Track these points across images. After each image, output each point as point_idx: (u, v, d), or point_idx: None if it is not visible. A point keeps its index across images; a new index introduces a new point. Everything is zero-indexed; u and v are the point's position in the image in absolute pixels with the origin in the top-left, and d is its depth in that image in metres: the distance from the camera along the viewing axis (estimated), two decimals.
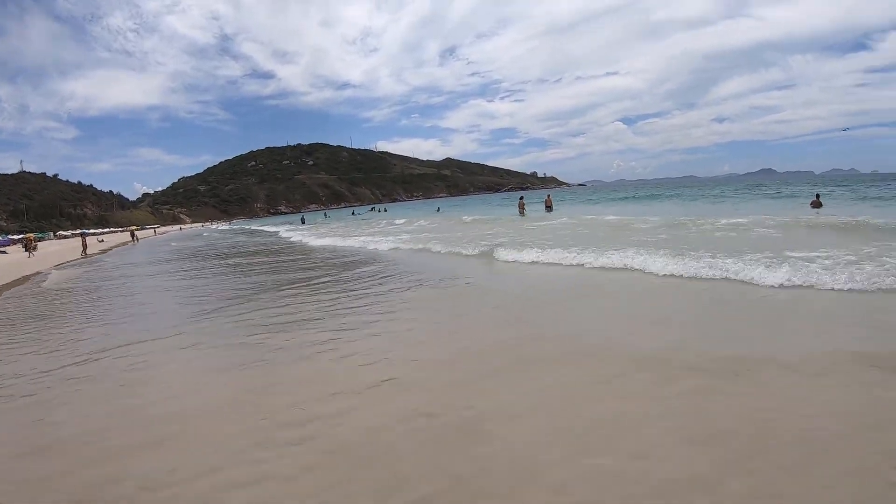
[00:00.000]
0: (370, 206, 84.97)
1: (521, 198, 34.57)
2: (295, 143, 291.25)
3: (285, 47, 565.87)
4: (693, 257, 10.41)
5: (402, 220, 40.36)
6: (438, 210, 53.88)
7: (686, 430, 3.60)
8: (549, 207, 33.66)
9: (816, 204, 25.36)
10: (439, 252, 16.44)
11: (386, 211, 71.24)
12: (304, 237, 31.77)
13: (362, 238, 24.79)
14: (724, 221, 17.88)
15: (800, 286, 7.91)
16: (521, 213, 31.42)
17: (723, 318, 6.82)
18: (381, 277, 12.20)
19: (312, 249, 23.00)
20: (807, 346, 5.25)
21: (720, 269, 9.34)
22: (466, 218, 32.77)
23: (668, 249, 11.67)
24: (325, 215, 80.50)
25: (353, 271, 13.74)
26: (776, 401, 3.96)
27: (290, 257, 19.98)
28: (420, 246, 18.42)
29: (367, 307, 8.74)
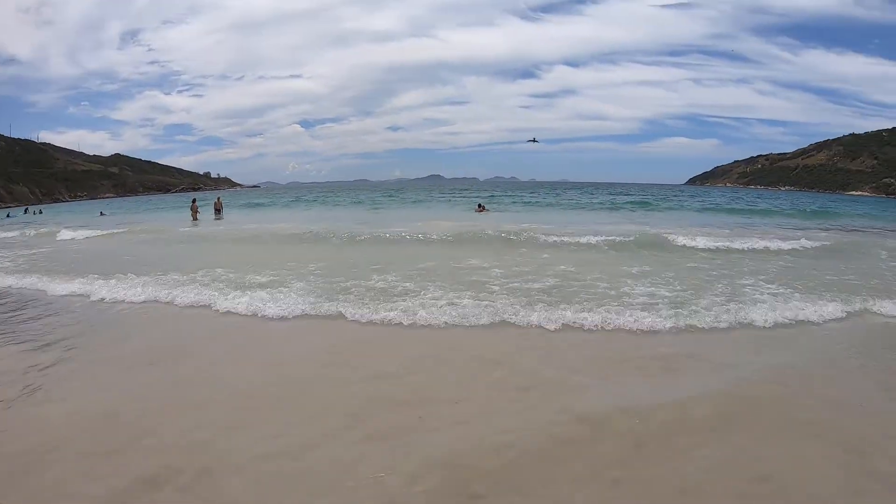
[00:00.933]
0: (24, 209, 69.87)
1: (194, 201, 30.31)
2: None
3: None
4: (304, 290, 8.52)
5: (30, 229, 29.86)
6: (102, 214, 45.70)
7: None
8: (218, 211, 30.46)
9: (481, 209, 29.01)
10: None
11: (41, 213, 58.67)
12: None
13: None
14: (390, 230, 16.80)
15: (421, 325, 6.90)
16: (194, 217, 27.59)
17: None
18: None
19: None
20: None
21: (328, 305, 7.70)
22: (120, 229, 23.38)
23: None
24: None
25: None
26: None
27: None
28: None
29: None
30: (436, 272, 9.55)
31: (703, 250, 12.93)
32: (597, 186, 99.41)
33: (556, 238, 14.15)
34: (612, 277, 9.02)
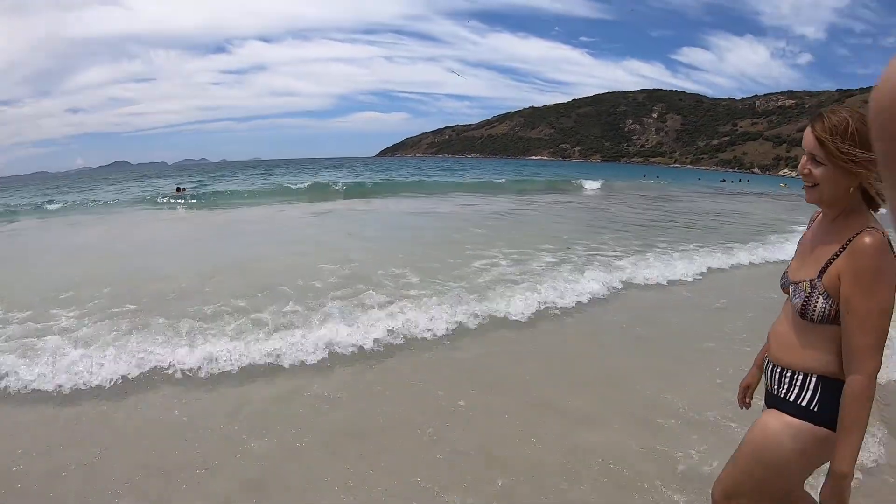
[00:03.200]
0: None
1: None
2: None
3: None
4: None
5: None
6: None
7: None
8: None
9: (180, 191, 26.74)
10: None
11: None
12: None
13: None
14: None
15: None
16: None
17: None
18: None
19: None
20: None
21: None
22: None
23: None
24: None
25: None
26: None
27: None
28: None
29: None
30: None
31: None
32: (295, 164, 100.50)
33: None
34: None
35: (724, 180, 58.50)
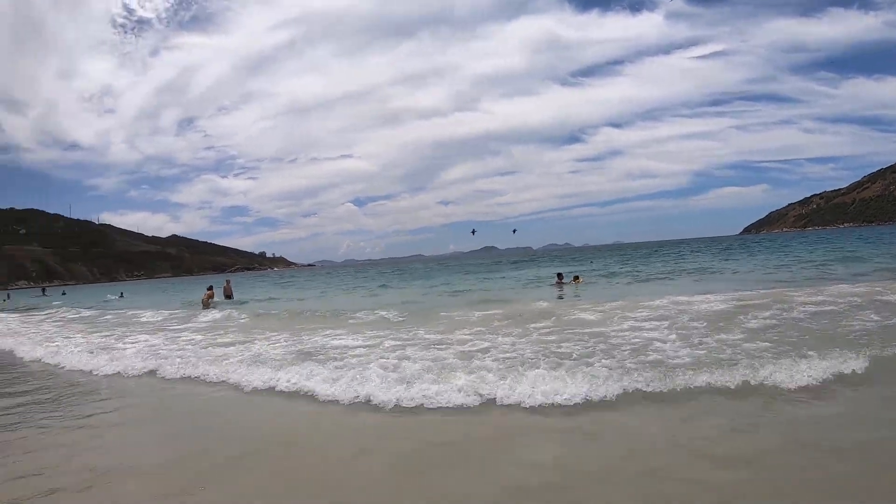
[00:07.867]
0: (62, 291, 78.72)
1: (210, 288, 26.18)
2: (7, 206, 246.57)
3: (15, 94, 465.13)
4: None
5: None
6: (122, 296, 43.88)
7: None
8: (228, 297, 27.92)
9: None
10: None
11: (65, 294, 64.71)
12: None
13: None
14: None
15: None
16: (206, 305, 24.25)
17: None
18: None
19: None
20: None
21: None
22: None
23: None
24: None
25: None
26: None
27: None
28: None
29: None
30: None
31: None
32: (662, 245, 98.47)
33: None
34: None
35: None
